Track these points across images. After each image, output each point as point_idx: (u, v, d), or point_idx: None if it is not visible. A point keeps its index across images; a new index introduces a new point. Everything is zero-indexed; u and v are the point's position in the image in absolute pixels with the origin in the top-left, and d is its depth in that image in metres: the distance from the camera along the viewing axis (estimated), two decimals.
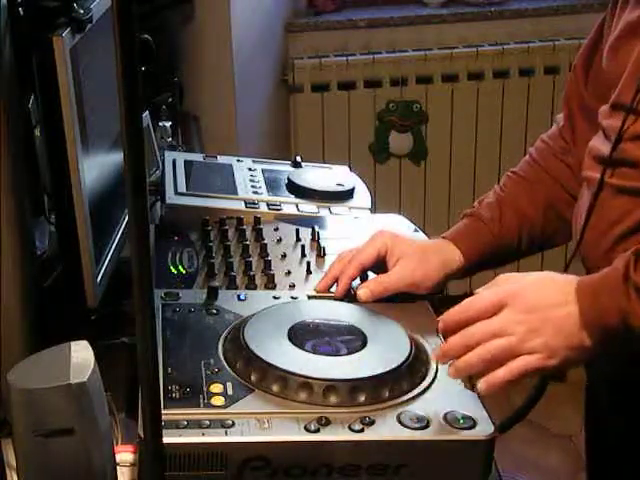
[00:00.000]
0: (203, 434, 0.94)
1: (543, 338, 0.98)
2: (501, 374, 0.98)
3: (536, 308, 0.99)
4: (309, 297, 1.25)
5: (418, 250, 1.26)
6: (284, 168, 1.72)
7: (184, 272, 1.31)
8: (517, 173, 1.33)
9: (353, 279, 1.26)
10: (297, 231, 1.45)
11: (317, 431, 0.96)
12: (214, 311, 1.18)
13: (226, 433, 0.94)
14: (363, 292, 1.22)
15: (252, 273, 1.30)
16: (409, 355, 1.07)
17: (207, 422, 0.95)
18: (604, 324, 0.97)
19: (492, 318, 1.00)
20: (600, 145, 1.13)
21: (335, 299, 1.24)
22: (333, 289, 1.27)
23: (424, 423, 0.98)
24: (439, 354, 1.03)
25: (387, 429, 0.97)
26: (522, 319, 0.99)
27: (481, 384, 0.99)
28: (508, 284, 1.03)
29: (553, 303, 0.99)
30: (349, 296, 1.24)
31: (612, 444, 1.27)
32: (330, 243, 1.40)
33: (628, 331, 0.97)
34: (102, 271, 1.31)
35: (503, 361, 0.98)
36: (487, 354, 0.98)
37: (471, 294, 1.04)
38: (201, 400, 0.99)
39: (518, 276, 1.05)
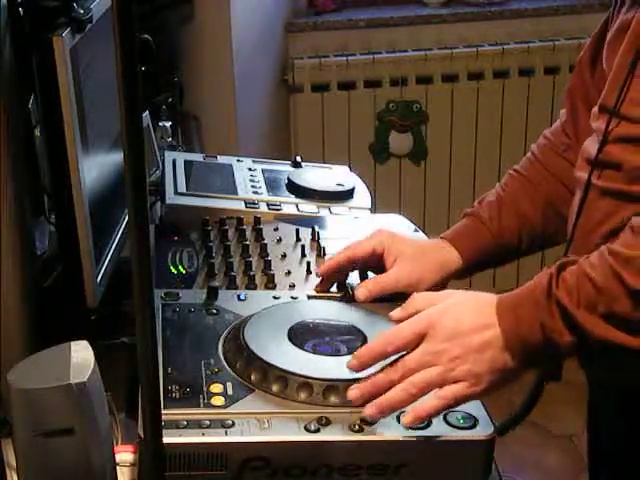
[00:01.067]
0: (203, 434, 0.94)
1: (467, 365, 0.97)
2: (428, 405, 0.96)
3: (455, 335, 0.98)
4: (309, 297, 1.25)
5: (416, 250, 1.26)
6: (284, 168, 1.72)
7: (184, 272, 1.31)
8: (518, 171, 1.33)
9: (340, 264, 1.25)
10: (297, 231, 1.44)
11: (317, 431, 0.96)
12: (214, 311, 1.18)
13: (226, 433, 0.94)
14: (361, 292, 1.22)
15: (252, 273, 1.30)
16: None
17: (207, 422, 0.95)
18: (526, 342, 0.96)
19: (414, 351, 0.98)
20: (590, 146, 1.13)
21: (333, 298, 1.24)
22: (333, 289, 1.27)
23: (424, 423, 0.98)
24: (357, 393, 0.98)
25: (387, 429, 0.97)
26: (443, 348, 0.97)
27: (407, 418, 0.96)
28: (425, 310, 1.01)
29: (473, 328, 0.98)
30: (346, 295, 1.24)
31: (614, 445, 1.27)
32: (330, 243, 1.40)
33: (551, 348, 0.96)
34: (102, 271, 1.31)
35: (427, 392, 0.97)
36: (413, 388, 0.96)
37: None
38: (201, 400, 0.99)
39: (434, 297, 1.04)
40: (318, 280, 1.28)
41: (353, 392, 0.98)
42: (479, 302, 1.01)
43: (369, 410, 0.97)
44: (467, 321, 0.99)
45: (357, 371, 1.00)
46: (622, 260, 0.94)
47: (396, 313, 1.05)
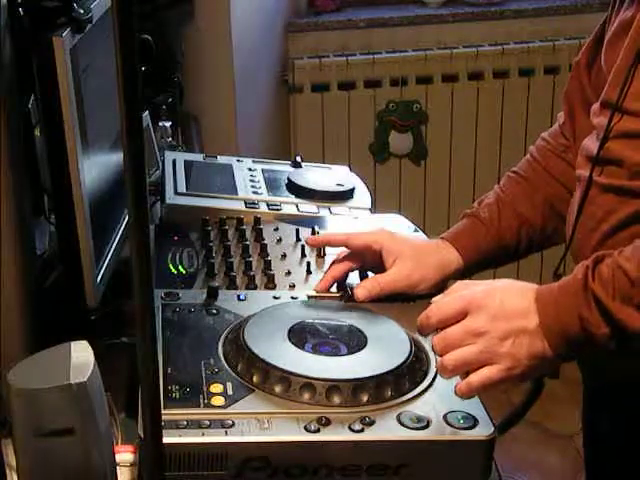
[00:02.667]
0: (203, 434, 0.94)
1: (504, 348, 0.98)
2: (470, 382, 0.98)
3: (497, 317, 0.99)
4: (309, 297, 1.25)
5: (416, 251, 1.26)
6: (284, 168, 1.72)
7: (184, 272, 1.31)
8: (517, 173, 1.34)
9: (330, 245, 1.30)
10: (297, 231, 1.45)
11: (317, 431, 0.96)
12: (214, 311, 1.18)
13: (226, 433, 0.94)
14: (361, 292, 1.23)
15: (252, 273, 1.30)
16: (409, 355, 1.07)
17: (207, 422, 0.95)
18: (564, 332, 0.97)
19: (454, 326, 1.00)
20: (590, 143, 1.14)
21: (333, 298, 1.24)
22: (333, 289, 1.27)
23: (424, 423, 0.98)
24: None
25: (387, 429, 0.97)
26: (485, 327, 0.99)
27: (458, 390, 0.99)
28: (469, 291, 1.03)
29: (514, 311, 0.99)
30: (346, 295, 1.24)
31: (610, 444, 1.27)
32: None
33: (588, 339, 0.97)
34: (102, 271, 1.31)
35: (462, 371, 0.99)
36: (448, 366, 0.99)
37: None
38: (201, 400, 0.99)
39: (478, 283, 1.05)
40: (318, 280, 1.28)
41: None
42: (521, 289, 1.02)
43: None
44: (510, 304, 1.00)
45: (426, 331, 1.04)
46: None
47: (437, 297, 1.06)
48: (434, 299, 1.06)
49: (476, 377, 0.98)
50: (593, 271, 0.98)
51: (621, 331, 0.96)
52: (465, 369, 0.99)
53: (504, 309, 0.99)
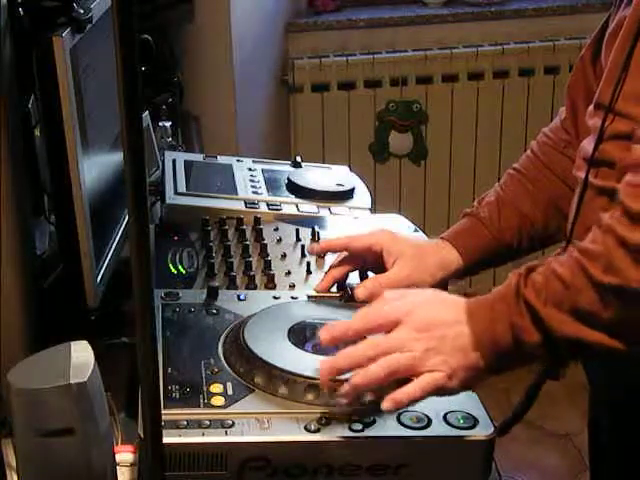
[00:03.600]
0: (203, 434, 0.94)
1: (442, 356, 0.96)
2: (410, 390, 0.96)
3: (431, 326, 0.98)
4: (309, 297, 1.25)
5: (416, 251, 1.26)
6: (284, 168, 1.72)
7: (184, 272, 1.31)
8: (518, 170, 1.33)
9: (332, 250, 1.28)
10: (297, 231, 1.45)
11: (317, 431, 0.96)
12: (214, 311, 1.18)
13: (226, 433, 0.94)
14: (361, 291, 1.22)
15: (252, 273, 1.30)
16: None
17: (207, 422, 0.95)
18: (495, 342, 0.96)
19: (389, 334, 0.98)
20: (587, 145, 1.13)
21: (333, 298, 1.24)
22: (333, 289, 1.27)
23: (424, 423, 0.98)
24: (326, 368, 0.97)
25: (387, 429, 0.97)
26: (419, 337, 0.97)
27: (386, 402, 0.95)
28: (398, 301, 1.01)
29: (446, 321, 0.98)
30: (346, 295, 1.24)
31: (615, 444, 1.27)
32: None
33: (520, 348, 0.96)
34: (102, 271, 1.31)
35: (398, 376, 0.96)
36: (389, 367, 0.95)
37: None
38: (201, 400, 0.99)
39: (408, 292, 1.04)
40: (318, 280, 1.28)
41: (324, 364, 0.98)
42: (452, 300, 1.02)
43: (344, 388, 0.96)
44: (440, 315, 0.99)
45: (326, 343, 1.00)
46: (588, 255, 0.94)
47: (363, 309, 1.03)
48: (364, 308, 1.03)
49: (425, 378, 0.96)
50: (526, 278, 0.97)
51: (552, 337, 0.95)
52: (404, 375, 0.96)
53: (436, 319, 0.98)
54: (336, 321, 1.04)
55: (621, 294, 0.92)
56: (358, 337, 1.00)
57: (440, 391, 0.97)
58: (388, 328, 0.99)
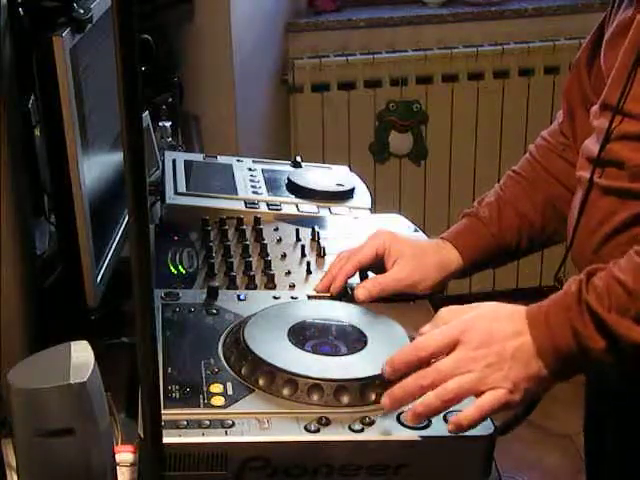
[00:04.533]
0: (203, 434, 0.94)
1: (503, 372, 0.95)
2: (471, 413, 0.95)
3: (490, 342, 0.96)
4: (309, 297, 1.25)
5: (416, 251, 1.26)
6: (284, 168, 1.72)
7: (184, 272, 1.31)
8: (517, 172, 1.33)
9: (349, 276, 1.25)
10: (297, 231, 1.44)
11: (317, 431, 0.96)
12: (214, 311, 1.18)
13: (226, 433, 0.94)
14: (361, 292, 1.22)
15: (252, 273, 1.30)
16: None
17: (207, 422, 0.95)
18: (558, 350, 0.95)
19: (446, 358, 0.97)
20: (591, 145, 1.13)
21: (331, 296, 1.25)
22: (331, 287, 1.27)
23: (424, 423, 0.98)
24: (389, 400, 0.96)
25: (387, 429, 0.97)
26: (478, 355, 0.96)
27: (450, 426, 0.95)
28: (456, 319, 1.00)
29: (506, 335, 0.97)
30: (347, 296, 1.24)
31: (610, 445, 1.27)
32: (330, 243, 1.40)
33: (583, 355, 0.95)
34: (102, 271, 1.31)
35: (462, 399, 0.96)
36: (448, 394, 0.95)
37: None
38: (201, 400, 0.99)
39: (463, 309, 1.03)
40: (318, 280, 1.28)
41: (385, 399, 0.97)
42: (509, 311, 1.00)
43: (406, 416, 0.96)
44: (500, 328, 0.97)
45: (390, 378, 0.98)
46: None
47: (425, 328, 1.02)
48: (422, 330, 1.02)
49: (485, 399, 0.95)
50: (587, 284, 0.96)
51: (618, 344, 0.94)
52: (465, 397, 0.96)
53: (494, 334, 0.97)
54: (395, 352, 1.01)
55: None
56: (421, 364, 0.98)
57: (504, 407, 0.96)
58: (447, 350, 0.97)
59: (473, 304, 1.04)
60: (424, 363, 0.98)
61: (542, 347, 0.96)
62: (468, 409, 0.95)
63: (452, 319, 1.01)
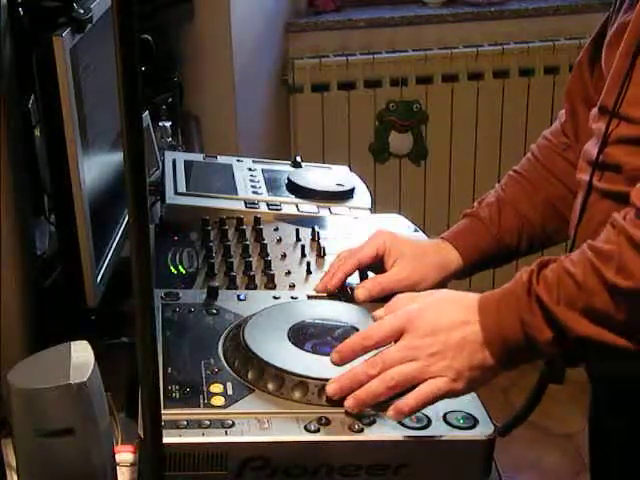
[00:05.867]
0: (203, 434, 0.94)
1: (446, 361, 0.97)
2: (411, 401, 0.96)
3: (435, 331, 0.98)
4: (309, 297, 1.25)
5: (416, 251, 1.26)
6: (284, 168, 1.72)
7: (184, 272, 1.31)
8: (518, 172, 1.33)
9: (348, 275, 1.26)
10: (297, 231, 1.45)
11: (317, 431, 0.96)
12: (214, 311, 1.18)
13: (226, 433, 0.94)
14: (361, 292, 1.22)
15: (252, 273, 1.30)
16: None
17: (207, 422, 0.95)
18: (506, 339, 0.96)
19: (392, 347, 0.99)
20: (591, 148, 1.14)
21: (330, 295, 1.25)
22: (328, 284, 1.27)
23: (424, 423, 0.98)
24: (336, 387, 0.98)
25: (387, 429, 0.97)
26: (423, 344, 0.97)
27: (390, 412, 0.97)
28: (405, 307, 1.02)
29: (453, 324, 0.98)
30: (347, 296, 1.24)
31: (615, 444, 1.27)
32: (330, 243, 1.40)
33: (530, 345, 0.96)
34: (102, 271, 1.31)
35: (406, 387, 0.97)
36: (390, 380, 0.97)
37: None
38: (201, 400, 0.99)
39: (416, 297, 1.04)
40: (318, 280, 1.28)
41: (331, 387, 0.99)
42: (460, 300, 1.02)
43: (348, 402, 0.97)
44: (446, 317, 0.99)
45: (339, 365, 1.01)
46: (602, 256, 0.94)
47: (379, 312, 1.05)
48: (374, 313, 1.05)
49: (425, 387, 0.97)
50: (538, 275, 0.97)
51: (565, 336, 0.95)
52: (407, 385, 0.97)
53: (441, 323, 0.98)
54: (344, 340, 1.04)
55: (634, 297, 0.92)
56: (367, 352, 1.00)
57: (445, 395, 0.98)
58: (395, 338, 0.99)
59: (428, 291, 1.07)
60: (370, 351, 1.00)
61: (489, 336, 0.97)
62: (409, 396, 0.97)
63: (405, 305, 1.03)
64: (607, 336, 0.94)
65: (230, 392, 1.00)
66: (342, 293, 1.25)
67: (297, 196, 1.59)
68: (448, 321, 0.99)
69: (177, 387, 1.00)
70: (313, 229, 1.44)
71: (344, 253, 1.28)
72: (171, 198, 1.53)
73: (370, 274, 1.28)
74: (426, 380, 0.97)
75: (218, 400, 0.99)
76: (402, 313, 1.01)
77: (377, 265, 1.26)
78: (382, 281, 1.23)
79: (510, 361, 0.98)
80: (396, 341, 1.00)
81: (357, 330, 1.13)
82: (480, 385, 1.00)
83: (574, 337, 0.94)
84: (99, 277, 1.29)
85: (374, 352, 1.01)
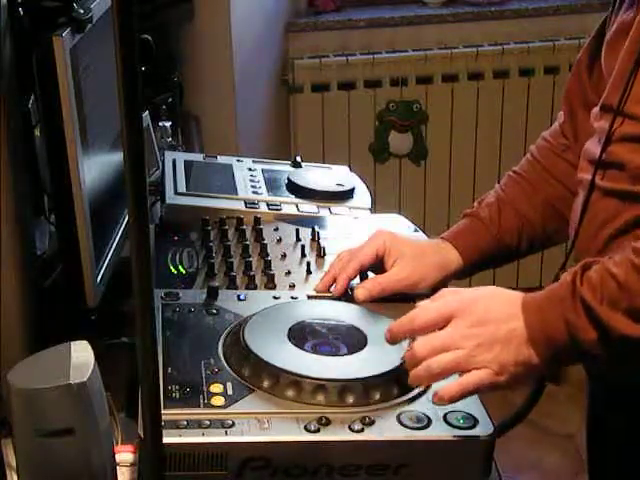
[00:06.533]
0: (203, 434, 0.94)
1: (492, 353, 0.97)
2: (454, 389, 0.97)
3: (484, 322, 0.98)
4: (309, 297, 1.25)
5: (416, 251, 1.26)
6: (284, 168, 1.72)
7: (184, 272, 1.31)
8: (518, 172, 1.34)
9: (351, 279, 1.26)
10: (297, 231, 1.45)
11: (317, 431, 0.96)
12: (214, 311, 1.18)
13: (226, 433, 0.94)
14: (361, 292, 1.23)
15: (252, 273, 1.30)
16: None
17: (207, 422, 0.95)
18: (550, 339, 0.97)
19: (439, 331, 0.99)
20: (593, 147, 1.14)
21: (333, 298, 1.25)
22: (333, 289, 1.27)
23: (424, 423, 0.98)
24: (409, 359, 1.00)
25: (387, 429, 0.97)
26: (470, 333, 0.98)
27: (435, 397, 0.98)
28: (455, 297, 1.02)
29: (501, 317, 0.99)
30: (347, 296, 1.24)
31: (612, 443, 1.27)
32: (330, 243, 1.40)
33: (576, 346, 0.96)
34: (102, 271, 1.31)
35: (449, 375, 0.98)
36: (436, 368, 0.97)
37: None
38: (201, 400, 0.99)
39: (465, 290, 1.04)
40: (318, 280, 1.28)
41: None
42: (507, 296, 1.02)
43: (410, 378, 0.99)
44: (495, 310, 0.99)
45: (391, 343, 1.03)
46: None
47: (424, 302, 1.05)
48: (419, 303, 1.05)
49: (469, 378, 0.97)
50: (582, 276, 0.97)
51: (609, 336, 0.95)
52: (451, 373, 0.98)
53: (490, 315, 0.99)
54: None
55: None
56: (416, 334, 1.02)
57: (488, 388, 0.98)
58: (442, 324, 0.99)
59: (474, 287, 1.06)
60: (417, 333, 1.01)
61: (534, 335, 0.97)
62: (452, 384, 0.97)
63: (453, 297, 1.03)
64: None
65: (230, 392, 1.00)
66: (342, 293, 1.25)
67: (297, 196, 1.59)
68: (496, 314, 0.99)
69: (177, 387, 1.00)
70: (313, 229, 1.44)
71: (344, 253, 1.28)
72: (171, 198, 1.53)
73: (370, 274, 1.28)
74: (470, 370, 0.97)
75: (218, 400, 0.99)
76: (451, 300, 1.01)
77: (377, 265, 1.26)
78: (382, 281, 1.23)
79: (555, 361, 0.99)
80: (440, 328, 1.00)
81: (357, 330, 1.13)
82: (522, 382, 1.00)
83: (618, 337, 0.95)
84: (99, 277, 1.29)
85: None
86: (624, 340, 0.95)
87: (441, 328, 0.99)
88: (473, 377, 0.97)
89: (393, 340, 1.03)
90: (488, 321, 0.98)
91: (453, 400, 0.98)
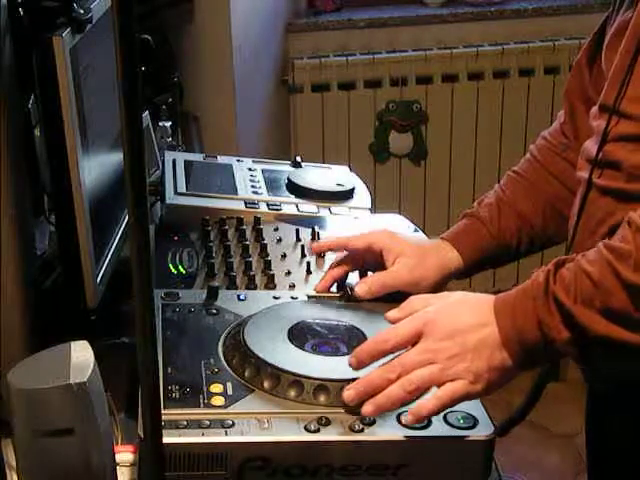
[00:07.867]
0: (203, 434, 0.94)
1: (465, 363, 0.96)
2: (430, 405, 0.96)
3: (453, 334, 0.97)
4: (309, 297, 1.25)
5: (416, 250, 1.26)
6: (284, 168, 1.72)
7: (184, 272, 1.31)
8: (518, 172, 1.34)
9: (332, 249, 1.28)
10: (297, 231, 1.45)
11: (317, 431, 0.96)
12: (214, 311, 1.18)
13: (226, 433, 0.94)
14: (361, 288, 1.22)
15: (252, 273, 1.30)
16: None
17: (207, 422, 0.95)
18: (523, 339, 0.96)
19: (410, 350, 0.98)
20: (590, 146, 1.14)
21: (329, 294, 1.24)
22: (333, 289, 1.27)
23: (424, 423, 0.98)
24: (353, 394, 0.97)
25: (387, 429, 0.97)
26: (441, 347, 0.97)
27: (408, 416, 0.97)
28: (422, 310, 1.01)
29: (470, 326, 0.98)
30: (347, 296, 1.24)
31: (613, 443, 1.27)
32: None
33: (548, 345, 0.96)
34: (102, 271, 1.31)
35: (426, 390, 0.97)
36: (410, 385, 0.96)
37: None
38: (201, 400, 0.99)
39: (430, 299, 1.04)
40: (318, 280, 1.28)
41: (348, 393, 0.98)
42: (476, 302, 1.01)
43: (367, 408, 0.96)
44: (464, 320, 0.99)
45: (356, 369, 1.00)
46: (618, 254, 0.94)
47: (392, 313, 1.04)
48: (388, 314, 1.04)
49: (445, 390, 0.96)
50: (555, 274, 0.96)
51: (583, 336, 0.94)
52: (426, 389, 0.97)
53: (458, 325, 0.98)
54: (360, 345, 1.02)
55: None
56: (385, 356, 1.00)
57: (465, 398, 0.97)
58: (411, 342, 0.99)
59: (443, 293, 1.06)
60: (387, 355, 0.99)
61: (507, 337, 0.97)
62: (428, 399, 0.97)
63: (420, 307, 1.02)
64: (625, 335, 0.94)
65: (230, 392, 1.00)
66: (342, 293, 1.25)
67: (297, 196, 1.59)
68: (465, 323, 0.98)
69: (177, 387, 1.00)
70: (313, 229, 1.44)
71: (334, 240, 1.30)
72: (171, 198, 1.53)
73: (370, 274, 1.28)
74: (445, 383, 0.97)
75: (218, 400, 0.99)
76: (419, 316, 1.00)
77: (377, 264, 1.26)
78: (382, 278, 1.23)
79: (528, 362, 0.98)
80: (413, 345, 0.99)
81: (357, 330, 1.13)
82: (498, 387, 1.00)
83: (592, 336, 0.94)
84: (99, 277, 1.29)
85: (390, 356, 1.00)
86: (598, 340, 0.95)
87: (413, 345, 0.99)
88: (449, 388, 0.96)
89: (359, 366, 1.00)
90: (456, 332, 0.98)
91: (431, 415, 0.97)
